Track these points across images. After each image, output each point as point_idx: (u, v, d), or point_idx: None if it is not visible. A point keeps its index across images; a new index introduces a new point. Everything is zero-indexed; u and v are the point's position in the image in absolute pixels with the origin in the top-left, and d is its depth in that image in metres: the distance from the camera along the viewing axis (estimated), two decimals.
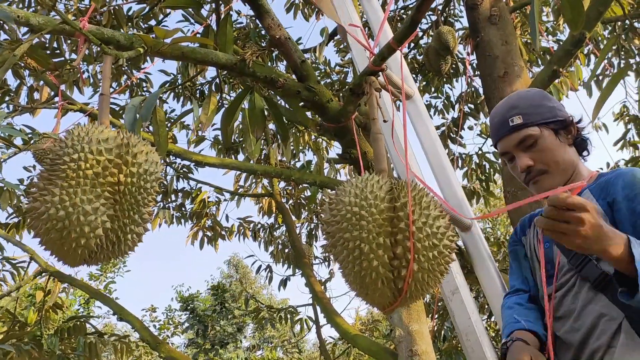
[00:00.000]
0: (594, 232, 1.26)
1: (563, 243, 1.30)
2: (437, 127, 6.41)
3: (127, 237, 1.18)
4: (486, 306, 6.62)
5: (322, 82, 6.25)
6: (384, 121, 1.41)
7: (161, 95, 5.73)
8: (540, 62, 6.04)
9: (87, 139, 1.12)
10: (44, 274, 5.20)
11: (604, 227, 1.28)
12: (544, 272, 1.65)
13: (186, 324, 19.62)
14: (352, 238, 1.15)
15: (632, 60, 5.80)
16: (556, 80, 4.09)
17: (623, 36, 5.34)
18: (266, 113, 2.01)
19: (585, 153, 1.77)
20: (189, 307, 19.89)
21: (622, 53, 5.75)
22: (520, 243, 1.88)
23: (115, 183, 1.14)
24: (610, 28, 5.62)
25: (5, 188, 4.27)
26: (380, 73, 1.44)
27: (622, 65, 5.81)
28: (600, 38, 5.51)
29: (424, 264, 1.17)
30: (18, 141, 3.98)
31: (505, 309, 1.79)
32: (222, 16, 1.81)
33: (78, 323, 5.08)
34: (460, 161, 6.56)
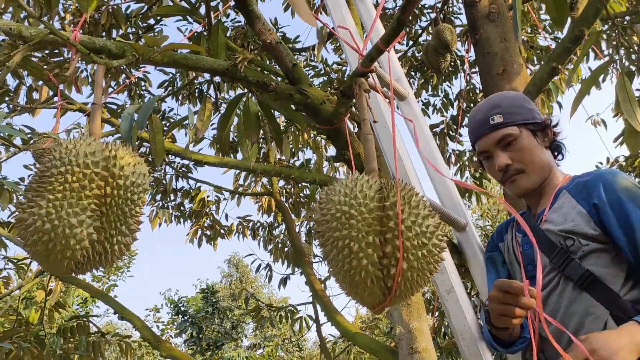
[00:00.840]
0: (623, 354, 1.28)
1: None
2: (436, 125, 6.42)
3: (114, 248, 1.20)
4: (482, 305, 6.62)
5: (320, 81, 6.26)
6: (374, 122, 1.42)
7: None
8: (536, 60, 6.05)
9: (74, 152, 1.14)
10: (45, 273, 5.23)
11: (617, 340, 1.30)
12: (524, 272, 1.68)
13: (178, 329, 19.50)
14: (341, 237, 1.17)
15: (633, 57, 5.79)
16: (555, 78, 4.10)
17: (620, 33, 5.33)
18: (261, 115, 2.02)
19: (560, 157, 1.80)
20: (180, 311, 19.82)
21: (622, 49, 5.74)
22: (498, 250, 1.90)
23: (101, 195, 1.16)
24: (609, 24, 5.62)
25: (5, 187, 4.29)
26: (370, 74, 1.45)
27: (624, 61, 5.81)
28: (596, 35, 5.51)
29: (414, 262, 1.18)
30: (18, 141, 4.00)
31: (482, 312, 1.82)
32: (214, 22, 1.83)
33: (81, 322, 5.11)
34: (453, 157, 6.56)
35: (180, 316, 19.76)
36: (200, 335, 19.23)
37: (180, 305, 19.80)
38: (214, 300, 19.81)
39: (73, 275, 1.19)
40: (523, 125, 1.72)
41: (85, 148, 1.15)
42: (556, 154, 1.80)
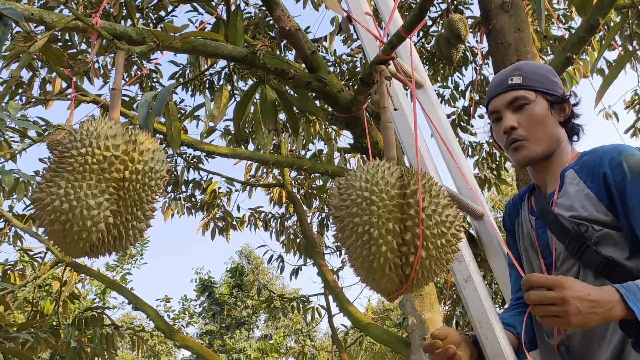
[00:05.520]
0: (585, 305, 1.23)
1: (562, 327, 1.28)
2: (448, 116, 6.39)
3: (129, 233, 1.21)
4: (499, 294, 6.63)
5: (331, 72, 6.24)
6: (395, 109, 1.42)
7: None
8: (550, 50, 6.00)
9: (95, 134, 1.14)
10: (60, 264, 5.28)
11: (591, 294, 1.25)
12: (542, 259, 1.62)
13: (204, 305, 20.23)
14: (361, 222, 1.16)
15: None
16: (569, 67, 4.06)
17: (636, 22, 5.27)
18: (278, 103, 2.02)
19: (575, 138, 1.71)
20: (206, 291, 20.43)
21: (635, 39, 5.68)
22: (513, 238, 1.83)
23: (120, 179, 1.16)
24: (622, 14, 5.55)
25: (21, 180, 4.32)
26: (390, 61, 1.45)
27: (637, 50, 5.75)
28: (613, 24, 5.45)
29: (432, 251, 1.18)
30: (32, 133, 4.03)
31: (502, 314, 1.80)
32: (232, 8, 1.83)
33: (95, 314, 5.15)
34: (470, 150, 6.55)
35: (206, 295, 20.42)
36: (222, 317, 19.84)
37: (207, 286, 20.51)
38: (240, 280, 20.30)
39: (87, 257, 1.19)
40: (541, 93, 1.63)
41: (106, 131, 1.15)
42: (571, 134, 1.70)
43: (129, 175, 1.17)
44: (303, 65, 2.04)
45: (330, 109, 2.17)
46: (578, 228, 1.50)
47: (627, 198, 1.43)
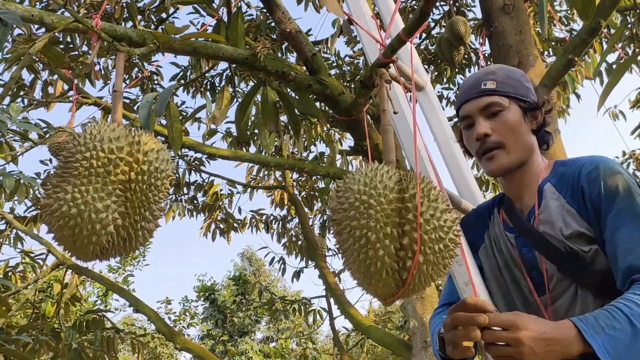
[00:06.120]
0: (540, 344, 1.18)
1: None
2: (450, 118, 6.39)
3: (138, 234, 1.21)
4: None
5: (333, 74, 6.24)
6: (395, 113, 1.42)
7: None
8: (552, 52, 5.99)
9: (98, 137, 1.14)
10: (61, 266, 5.28)
11: (547, 332, 1.20)
12: (529, 280, 1.53)
13: (205, 314, 20.20)
14: (359, 226, 1.15)
15: None
16: (571, 70, 4.06)
17: (634, 23, 5.26)
18: (279, 105, 2.02)
19: (544, 147, 1.65)
20: (209, 297, 20.40)
21: (636, 42, 5.66)
22: (472, 250, 1.74)
23: (126, 181, 1.16)
24: (622, 17, 5.54)
25: (22, 182, 4.33)
26: (391, 65, 1.44)
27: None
28: (614, 27, 5.44)
29: (430, 256, 1.17)
30: (33, 135, 4.04)
31: (432, 318, 1.71)
32: (233, 10, 1.83)
33: (96, 317, 5.16)
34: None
35: (207, 303, 20.35)
36: (224, 324, 19.84)
37: (210, 292, 20.50)
38: (243, 289, 20.30)
39: (98, 260, 1.19)
40: (514, 99, 1.57)
41: (109, 133, 1.15)
42: (541, 142, 1.64)
43: (135, 176, 1.17)
44: (304, 67, 2.04)
45: (331, 112, 2.17)
46: (571, 247, 1.44)
47: (601, 214, 1.40)
